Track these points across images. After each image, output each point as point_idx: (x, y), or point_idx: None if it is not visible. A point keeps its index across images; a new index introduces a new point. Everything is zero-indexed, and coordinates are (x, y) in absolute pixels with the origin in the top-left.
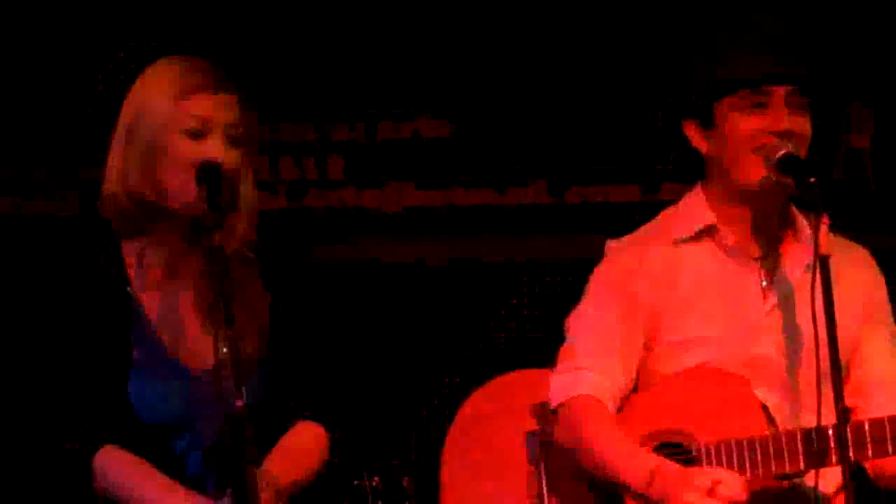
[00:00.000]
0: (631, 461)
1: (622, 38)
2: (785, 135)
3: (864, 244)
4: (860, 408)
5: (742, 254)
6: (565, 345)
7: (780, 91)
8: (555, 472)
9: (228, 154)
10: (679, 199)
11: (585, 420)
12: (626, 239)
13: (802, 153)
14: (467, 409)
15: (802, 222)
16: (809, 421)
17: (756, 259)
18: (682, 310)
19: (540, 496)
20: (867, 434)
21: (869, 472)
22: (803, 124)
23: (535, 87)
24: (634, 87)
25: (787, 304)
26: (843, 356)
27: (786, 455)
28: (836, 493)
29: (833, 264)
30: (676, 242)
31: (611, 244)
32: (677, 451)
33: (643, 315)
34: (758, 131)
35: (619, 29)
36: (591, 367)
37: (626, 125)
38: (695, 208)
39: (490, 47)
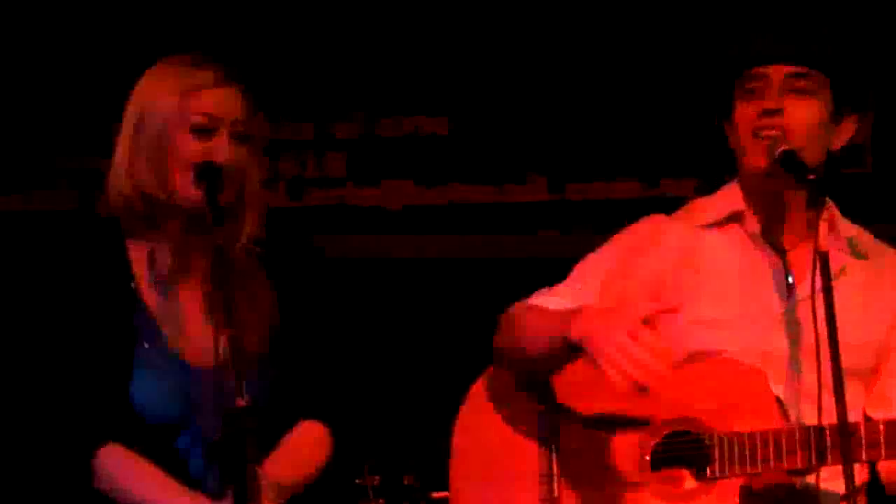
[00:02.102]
0: (554, 315)
1: (620, 33)
2: (772, 114)
3: None
4: (882, 418)
5: (767, 244)
6: None
7: (777, 73)
8: (566, 451)
9: (235, 151)
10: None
11: (519, 310)
12: (654, 216)
13: (795, 136)
14: (479, 387)
15: (844, 225)
16: (817, 420)
17: (783, 251)
18: (695, 291)
19: (549, 476)
20: (882, 434)
21: (883, 478)
22: (798, 107)
23: (534, 84)
24: (633, 83)
25: (810, 302)
26: (867, 361)
27: (798, 451)
28: (848, 493)
29: (868, 268)
30: (702, 226)
31: (643, 218)
32: (690, 440)
33: (641, 285)
34: (752, 114)
35: (617, 24)
36: (556, 293)
37: (626, 121)
38: (727, 195)
39: (489, 44)
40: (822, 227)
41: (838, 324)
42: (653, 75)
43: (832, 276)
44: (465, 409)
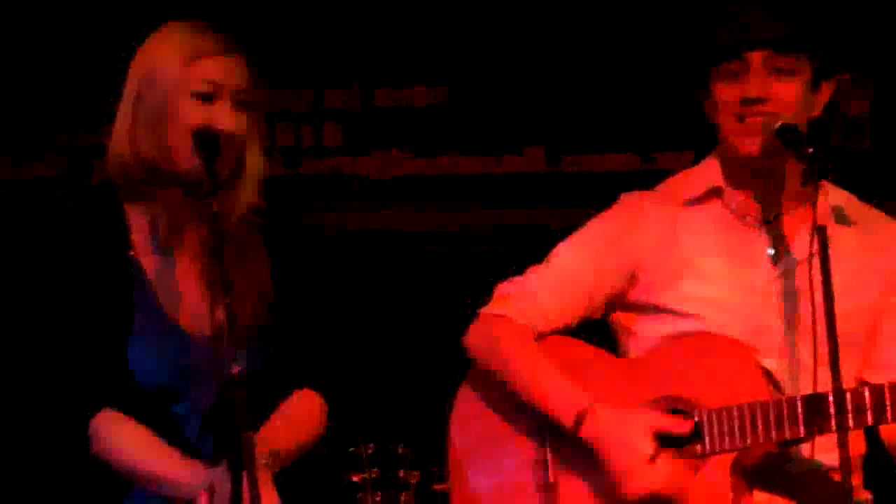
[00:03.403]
0: (559, 396)
1: (620, 4)
2: (756, 102)
3: None
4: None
5: (749, 217)
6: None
7: (757, 56)
8: (559, 437)
9: (236, 119)
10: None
11: (510, 339)
12: (636, 193)
13: (781, 116)
14: (473, 376)
15: (831, 193)
16: (810, 390)
17: (765, 223)
18: (681, 271)
19: (544, 462)
20: (887, 397)
21: (885, 442)
22: (783, 88)
23: (531, 56)
24: (632, 55)
25: (800, 274)
26: (860, 328)
27: (785, 422)
28: (844, 462)
29: (857, 234)
30: (683, 203)
31: (623, 195)
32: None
33: (625, 270)
34: (733, 100)
35: None
36: (533, 295)
37: (624, 93)
38: (706, 171)
39: (486, 14)
40: (821, 202)
41: (826, 293)
42: (650, 48)
43: (814, 247)
44: (459, 398)
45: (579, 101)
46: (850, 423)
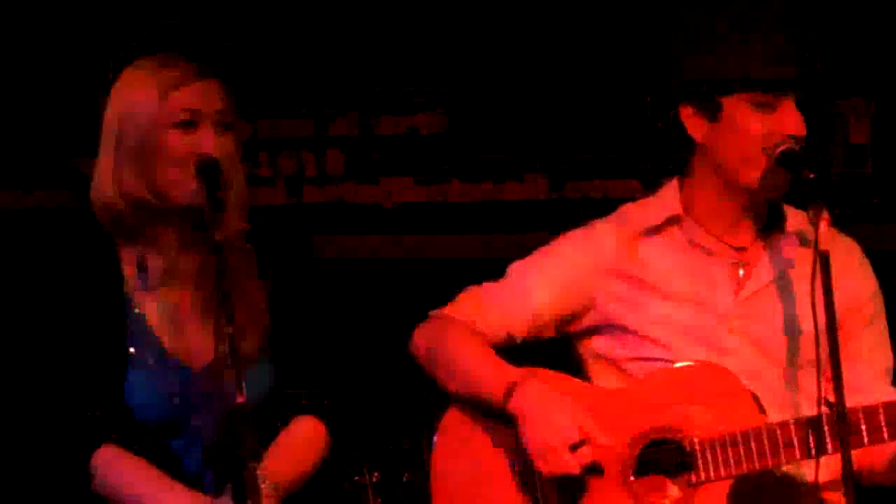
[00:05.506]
0: (492, 372)
1: (621, 29)
2: (799, 139)
3: (865, 238)
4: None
5: (712, 245)
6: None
7: (793, 94)
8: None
9: (220, 141)
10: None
11: (453, 331)
12: (598, 221)
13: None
14: (453, 412)
15: (792, 216)
16: (783, 415)
17: (734, 250)
18: (646, 295)
19: (534, 498)
20: (882, 417)
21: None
22: (805, 125)
23: (534, 81)
24: (634, 81)
25: (763, 297)
26: (821, 351)
27: (780, 447)
28: (827, 483)
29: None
30: (642, 233)
31: (590, 222)
32: (670, 448)
33: (580, 292)
34: (770, 132)
35: (617, 21)
36: (480, 300)
37: (626, 119)
38: (665, 200)
39: (488, 41)
40: (823, 227)
41: (790, 315)
42: (653, 73)
43: (784, 270)
44: (441, 436)
45: (582, 127)
46: (866, 440)
